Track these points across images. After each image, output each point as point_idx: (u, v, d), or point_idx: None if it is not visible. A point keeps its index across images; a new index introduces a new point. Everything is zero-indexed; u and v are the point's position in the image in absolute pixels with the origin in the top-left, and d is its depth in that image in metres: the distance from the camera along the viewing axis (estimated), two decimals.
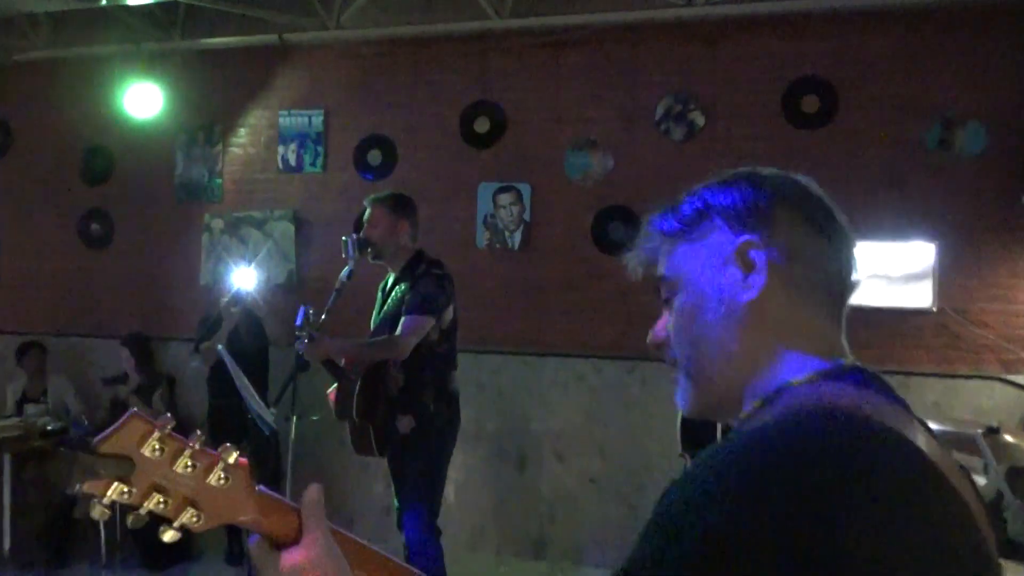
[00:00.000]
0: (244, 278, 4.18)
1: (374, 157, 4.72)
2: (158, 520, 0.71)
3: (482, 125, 4.54)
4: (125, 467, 0.67)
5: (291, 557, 0.72)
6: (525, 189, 4.49)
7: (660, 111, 4.31)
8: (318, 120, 4.77)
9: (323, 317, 2.91)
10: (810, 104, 4.15)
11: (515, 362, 4.49)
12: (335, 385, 3.03)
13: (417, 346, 2.90)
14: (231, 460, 0.71)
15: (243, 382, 3.09)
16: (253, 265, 4.42)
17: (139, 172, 5.05)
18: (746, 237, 0.76)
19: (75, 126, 5.10)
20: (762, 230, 0.76)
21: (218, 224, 4.92)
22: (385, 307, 3.07)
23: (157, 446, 0.68)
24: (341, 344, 2.98)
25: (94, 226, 5.14)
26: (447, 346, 3.04)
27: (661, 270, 0.82)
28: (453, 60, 4.56)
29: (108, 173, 5.11)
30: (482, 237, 4.54)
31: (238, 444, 0.73)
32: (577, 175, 4.43)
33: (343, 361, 3.02)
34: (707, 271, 0.78)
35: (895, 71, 4.05)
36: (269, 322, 4.34)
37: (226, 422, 3.91)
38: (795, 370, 0.71)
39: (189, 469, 0.70)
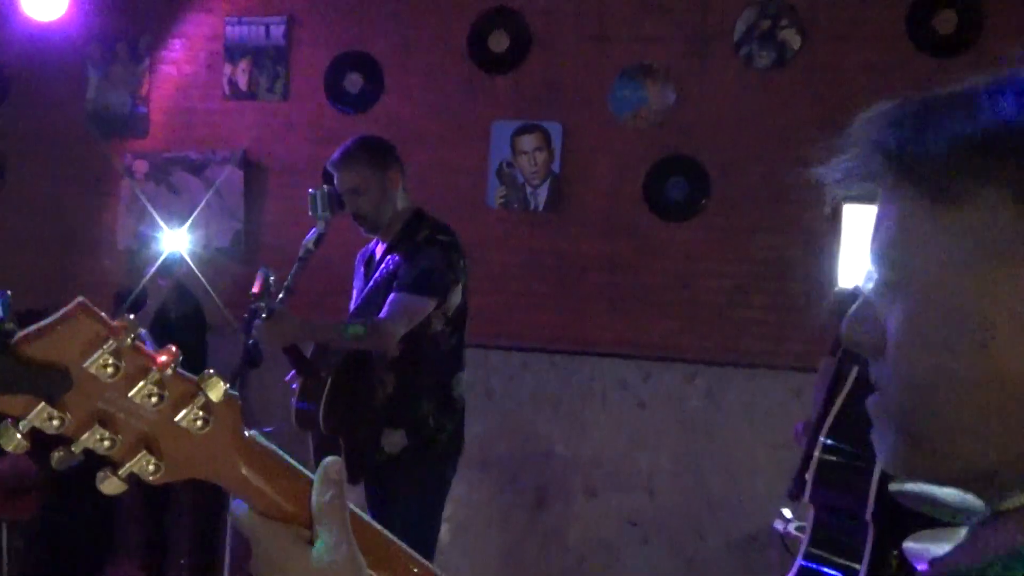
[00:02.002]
0: (176, 241, 4.19)
1: (353, 82, 4.71)
2: (99, 461, 0.66)
3: (499, 42, 4.52)
4: (57, 382, 0.62)
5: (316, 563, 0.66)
6: (555, 130, 4.47)
7: (741, 29, 4.27)
8: (278, 31, 4.77)
9: (281, 296, 2.92)
10: (945, 22, 4.08)
11: (536, 363, 4.50)
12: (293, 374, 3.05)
13: (416, 339, 2.90)
14: (215, 395, 0.67)
15: None
16: (188, 223, 4.42)
17: (39, 95, 5.05)
18: None
19: None
20: None
21: (143, 167, 4.94)
22: (372, 282, 3.07)
23: (110, 360, 0.62)
24: (310, 324, 2.98)
25: None
26: (455, 340, 3.04)
27: (877, 238, 0.63)
28: None
29: None
30: (495, 194, 4.54)
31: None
32: (626, 113, 4.41)
33: (310, 351, 3.03)
34: (962, 279, 0.57)
35: None
36: (209, 300, 4.35)
37: None
38: None
39: (153, 400, 0.65)
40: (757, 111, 4.25)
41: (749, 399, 4.24)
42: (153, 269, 4.11)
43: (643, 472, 4.38)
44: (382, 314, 2.88)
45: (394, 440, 2.98)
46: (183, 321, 4.22)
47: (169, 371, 0.65)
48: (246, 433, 0.70)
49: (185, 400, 0.66)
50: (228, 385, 0.67)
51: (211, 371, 0.67)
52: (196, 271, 4.19)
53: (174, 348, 0.66)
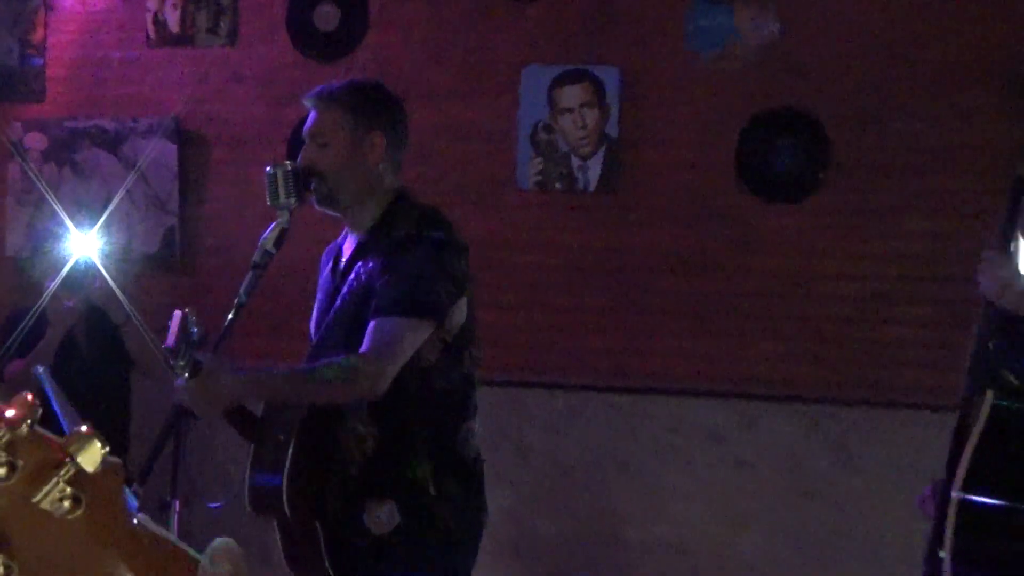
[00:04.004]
0: (86, 244, 4.18)
1: (325, 18, 4.74)
2: None
3: None
4: None
5: None
6: (610, 77, 4.45)
7: None
8: None
9: (230, 317, 2.93)
10: None
11: (590, 407, 4.48)
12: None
13: (400, 376, 2.89)
14: (89, 462, 0.65)
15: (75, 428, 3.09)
16: (103, 220, 4.38)
17: None
18: None
19: None
20: None
21: (39, 142, 4.96)
22: (339, 300, 3.07)
23: None
24: (255, 376, 2.99)
25: None
26: (457, 376, 3.03)
27: None
28: None
29: None
30: (528, 169, 4.54)
31: None
32: (710, 50, 4.39)
33: (260, 409, 3.02)
34: None
35: None
36: (131, 327, 4.36)
37: None
38: None
39: (0, 471, 0.64)
40: (899, 44, 4.21)
41: (896, 453, 4.18)
42: (54, 284, 4.08)
43: (746, 559, 4.33)
44: (363, 348, 2.87)
45: (381, 516, 2.93)
46: (97, 355, 4.24)
47: (23, 429, 0.63)
48: (134, 519, 0.68)
49: (46, 471, 0.64)
50: (107, 449, 0.65)
51: (83, 428, 0.65)
52: (113, 286, 4.16)
53: (29, 398, 0.64)
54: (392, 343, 2.86)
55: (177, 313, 2.75)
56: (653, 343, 4.47)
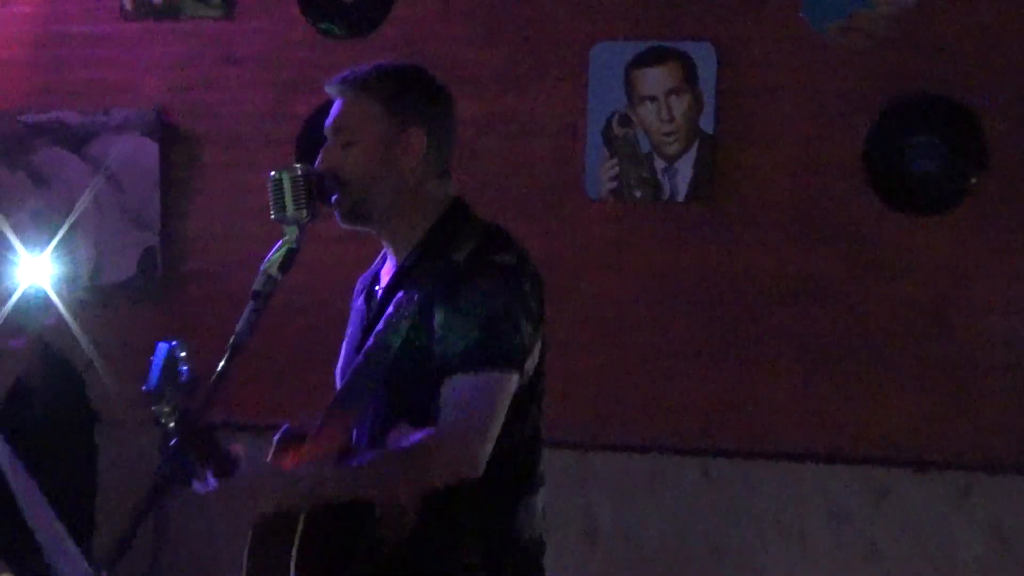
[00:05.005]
0: (40, 270, 4.16)
1: None
2: None
3: None
4: None
5: None
6: (703, 56, 4.42)
7: None
8: None
9: (224, 361, 2.78)
10: None
11: (677, 474, 4.46)
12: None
13: None
14: None
15: (35, 508, 3.13)
16: (61, 237, 4.39)
17: None
18: None
19: None
20: None
21: None
22: (372, 337, 3.01)
23: None
24: (309, 481, 2.86)
25: None
26: (518, 436, 2.95)
27: None
28: None
29: None
30: (600, 174, 4.50)
31: None
32: (831, 22, 4.38)
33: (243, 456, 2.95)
34: None
35: None
36: (93, 374, 4.32)
37: None
38: None
39: None
40: None
41: None
42: (0, 320, 4.09)
43: None
44: (443, 421, 2.79)
45: None
46: (55, 408, 4.17)
47: None
48: None
49: None
50: None
51: None
52: (73, 325, 4.11)
53: None
54: (481, 409, 2.78)
55: (162, 345, 2.67)
56: (758, 393, 4.46)
